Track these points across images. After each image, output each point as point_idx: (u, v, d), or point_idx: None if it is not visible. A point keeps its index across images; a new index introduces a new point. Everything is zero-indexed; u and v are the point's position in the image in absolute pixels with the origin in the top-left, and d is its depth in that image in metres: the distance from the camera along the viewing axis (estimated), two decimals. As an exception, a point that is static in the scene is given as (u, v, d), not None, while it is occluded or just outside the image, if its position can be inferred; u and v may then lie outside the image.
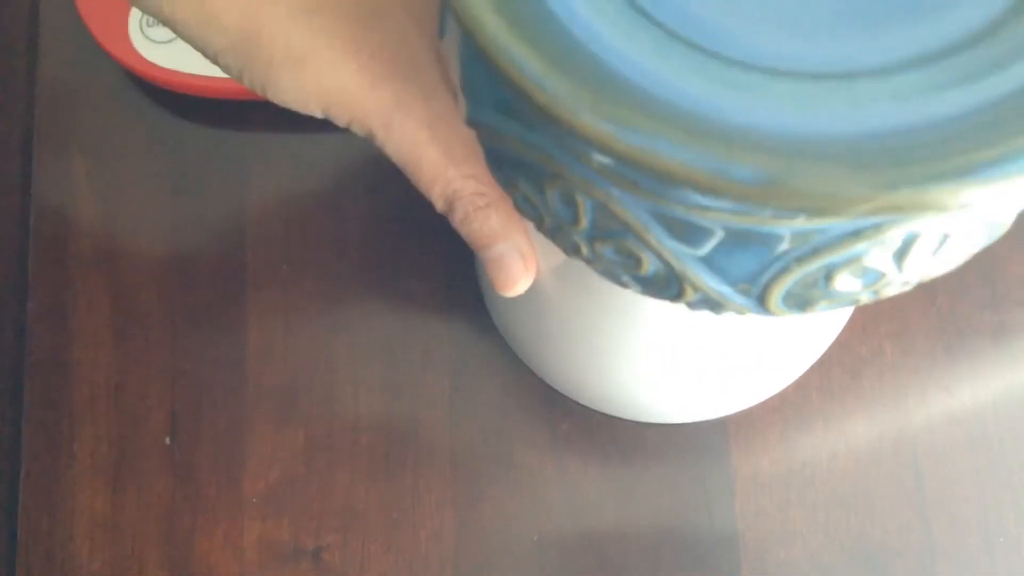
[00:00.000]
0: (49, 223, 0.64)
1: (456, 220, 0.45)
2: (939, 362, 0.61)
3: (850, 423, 0.60)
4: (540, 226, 0.37)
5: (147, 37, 0.63)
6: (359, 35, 0.43)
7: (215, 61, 0.43)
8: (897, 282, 0.34)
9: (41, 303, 0.64)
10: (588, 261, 0.37)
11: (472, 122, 0.36)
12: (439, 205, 0.45)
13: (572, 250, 0.37)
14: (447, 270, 0.62)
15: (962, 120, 0.29)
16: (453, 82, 0.40)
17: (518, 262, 0.46)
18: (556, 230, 0.37)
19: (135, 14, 0.64)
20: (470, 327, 0.62)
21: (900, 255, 0.33)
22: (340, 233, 0.63)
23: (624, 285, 0.36)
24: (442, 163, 0.44)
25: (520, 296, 0.47)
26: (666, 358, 0.51)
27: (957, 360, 0.61)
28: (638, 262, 0.35)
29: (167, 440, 0.61)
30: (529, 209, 0.37)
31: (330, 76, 0.43)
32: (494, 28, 0.29)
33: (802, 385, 0.60)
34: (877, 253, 0.33)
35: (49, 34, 0.67)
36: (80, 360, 0.64)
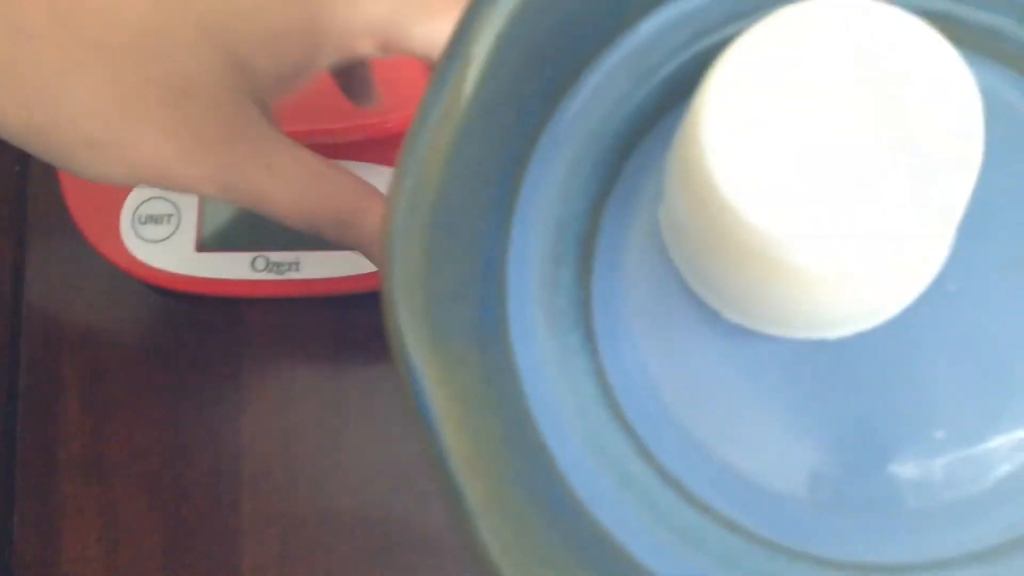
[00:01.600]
0: (38, 427, 0.62)
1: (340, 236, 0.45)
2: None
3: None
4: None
5: (139, 236, 0.61)
6: (166, 114, 0.42)
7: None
8: None
9: (28, 513, 0.62)
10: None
11: None
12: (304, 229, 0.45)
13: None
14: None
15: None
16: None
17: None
18: None
19: (126, 213, 0.63)
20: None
21: None
22: (335, 451, 0.61)
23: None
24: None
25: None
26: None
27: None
28: None
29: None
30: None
31: (136, 154, 0.42)
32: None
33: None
34: None
35: (38, 233, 0.64)
36: (68, 573, 0.61)
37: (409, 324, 0.28)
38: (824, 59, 0.26)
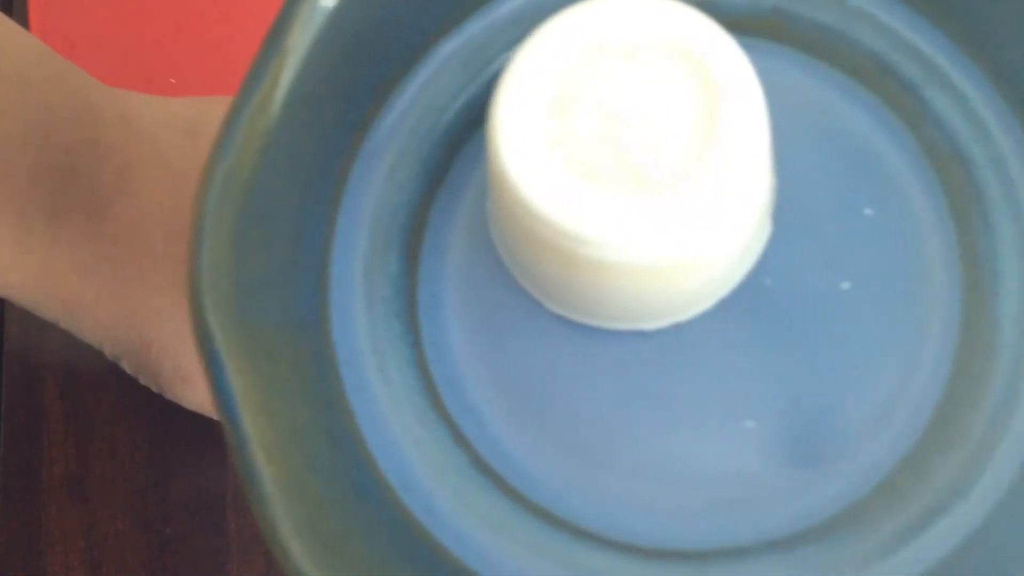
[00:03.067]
0: (19, 449, 0.63)
1: None
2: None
3: None
4: None
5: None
6: None
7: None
8: None
9: (11, 536, 0.63)
10: None
11: None
12: None
13: None
14: None
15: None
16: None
17: None
18: None
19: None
20: None
21: None
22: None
23: None
24: None
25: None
26: None
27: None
28: None
29: None
30: None
31: None
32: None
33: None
34: None
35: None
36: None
37: (212, 312, 0.28)
38: (609, 54, 0.27)
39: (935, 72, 0.30)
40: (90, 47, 0.60)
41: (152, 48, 0.61)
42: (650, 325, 0.29)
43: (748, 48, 0.29)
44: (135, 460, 0.61)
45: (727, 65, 0.26)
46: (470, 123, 0.31)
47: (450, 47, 0.32)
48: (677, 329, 0.29)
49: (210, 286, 0.28)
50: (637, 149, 0.26)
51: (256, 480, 0.27)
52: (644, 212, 0.26)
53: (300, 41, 0.29)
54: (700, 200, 0.26)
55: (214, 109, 0.44)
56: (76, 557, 0.61)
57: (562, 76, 0.26)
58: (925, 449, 0.29)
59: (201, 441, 0.61)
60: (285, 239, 0.29)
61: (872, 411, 0.29)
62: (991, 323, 0.29)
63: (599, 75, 0.26)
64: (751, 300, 0.29)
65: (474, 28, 0.32)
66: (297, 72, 0.29)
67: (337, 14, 0.30)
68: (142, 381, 0.46)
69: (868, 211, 0.30)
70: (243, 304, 0.28)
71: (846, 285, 0.29)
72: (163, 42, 0.61)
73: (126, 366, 0.45)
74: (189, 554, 0.60)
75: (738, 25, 0.31)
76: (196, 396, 0.46)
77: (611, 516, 0.29)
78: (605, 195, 0.26)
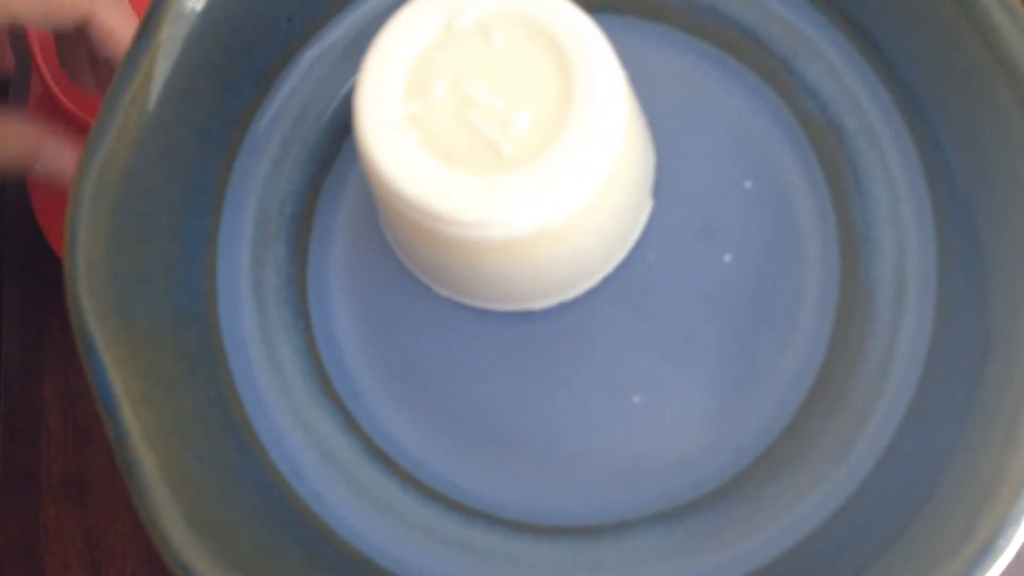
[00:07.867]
0: (18, 449, 0.63)
1: None
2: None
3: None
4: None
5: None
6: None
7: None
8: None
9: (11, 536, 0.63)
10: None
11: None
12: None
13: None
14: None
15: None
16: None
17: None
18: None
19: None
20: None
21: None
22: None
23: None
24: None
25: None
26: None
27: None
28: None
29: None
30: None
31: None
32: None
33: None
34: None
35: (14, 255, 0.65)
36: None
37: (89, 304, 0.28)
38: (465, 34, 0.27)
39: (806, 44, 0.30)
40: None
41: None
42: (536, 305, 0.29)
43: (622, 26, 0.29)
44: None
45: (581, 42, 0.26)
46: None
47: (331, 37, 0.32)
48: (564, 308, 0.29)
49: (86, 278, 0.28)
50: (492, 127, 0.26)
51: (135, 470, 0.28)
52: (497, 188, 0.25)
53: (172, 35, 0.29)
54: (551, 174, 0.25)
55: None
56: (76, 557, 0.61)
57: (418, 59, 0.26)
58: (806, 416, 0.29)
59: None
60: (166, 231, 0.29)
61: (755, 380, 0.29)
62: (867, 288, 0.28)
63: (455, 56, 0.26)
64: (636, 276, 0.29)
65: (354, 17, 0.31)
66: (170, 67, 0.29)
67: (209, 7, 0.29)
68: None
69: (748, 183, 0.29)
70: (120, 297, 0.28)
71: (728, 257, 0.29)
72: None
73: None
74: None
75: (611, 4, 0.30)
76: None
77: (502, 496, 0.29)
78: (460, 173, 0.26)
